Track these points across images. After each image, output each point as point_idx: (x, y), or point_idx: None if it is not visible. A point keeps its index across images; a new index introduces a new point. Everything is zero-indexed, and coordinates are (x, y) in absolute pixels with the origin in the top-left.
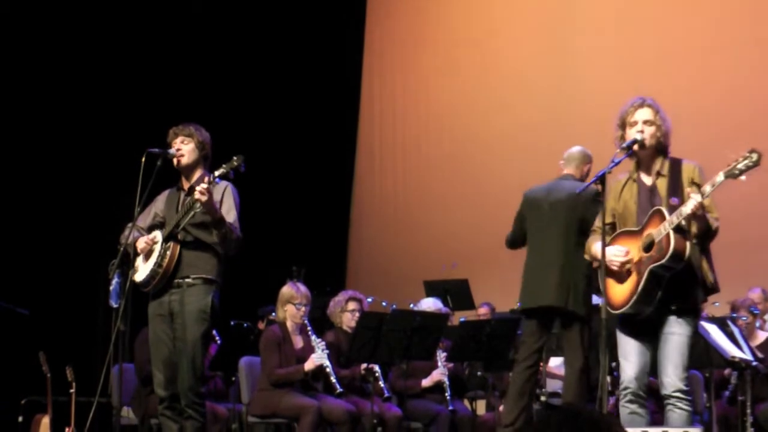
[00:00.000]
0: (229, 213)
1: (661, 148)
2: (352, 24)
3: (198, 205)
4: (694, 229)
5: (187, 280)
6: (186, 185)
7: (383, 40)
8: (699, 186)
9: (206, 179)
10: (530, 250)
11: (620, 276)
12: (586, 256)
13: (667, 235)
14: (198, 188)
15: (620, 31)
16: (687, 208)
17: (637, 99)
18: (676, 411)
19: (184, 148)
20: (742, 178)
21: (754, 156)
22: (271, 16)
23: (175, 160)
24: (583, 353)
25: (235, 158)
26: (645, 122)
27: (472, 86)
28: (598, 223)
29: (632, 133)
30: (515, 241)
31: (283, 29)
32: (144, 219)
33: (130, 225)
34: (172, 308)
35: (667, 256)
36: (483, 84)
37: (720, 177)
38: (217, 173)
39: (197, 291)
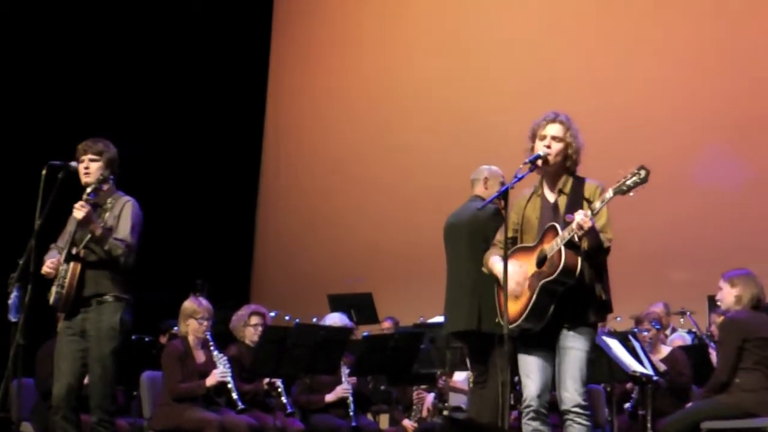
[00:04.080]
0: (124, 227)
1: (568, 166)
2: (257, 34)
3: (101, 220)
4: (585, 246)
5: (97, 298)
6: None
7: (288, 53)
8: (588, 203)
9: (84, 196)
10: (447, 275)
11: (513, 291)
12: (484, 269)
13: (559, 250)
14: (76, 206)
15: (533, 47)
16: (574, 224)
17: (551, 113)
18: (576, 426)
19: (93, 166)
20: (631, 194)
21: (642, 173)
22: (175, 27)
23: (81, 178)
24: (500, 371)
25: (100, 174)
26: (554, 138)
27: (378, 100)
28: (499, 236)
29: (540, 147)
30: None
31: (189, 39)
32: (62, 238)
33: (51, 246)
34: (83, 326)
35: (557, 272)
36: (388, 98)
37: (609, 193)
38: (89, 190)
39: (108, 309)
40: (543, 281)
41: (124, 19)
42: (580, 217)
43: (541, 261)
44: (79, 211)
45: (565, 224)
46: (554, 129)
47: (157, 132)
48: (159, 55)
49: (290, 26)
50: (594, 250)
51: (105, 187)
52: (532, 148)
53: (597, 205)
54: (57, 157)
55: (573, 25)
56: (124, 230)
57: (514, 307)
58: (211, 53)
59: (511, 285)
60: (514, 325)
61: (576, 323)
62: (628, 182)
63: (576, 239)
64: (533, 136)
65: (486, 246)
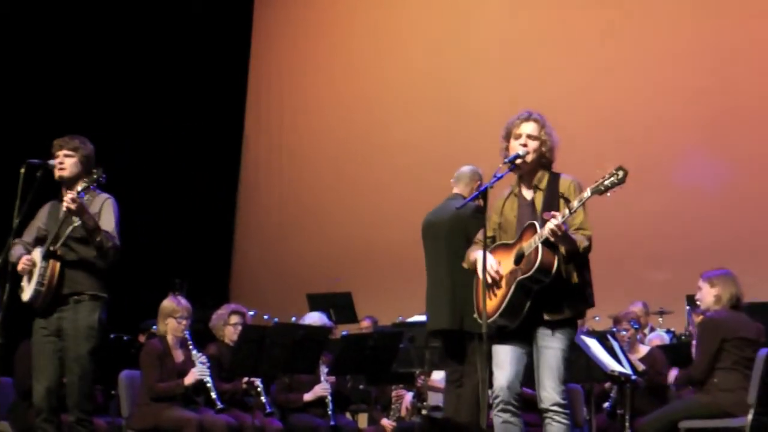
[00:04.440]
0: (108, 223)
1: (543, 163)
2: (237, 32)
3: (74, 217)
4: (561, 250)
5: (74, 297)
6: None
7: (269, 52)
8: (567, 201)
9: (73, 190)
10: (427, 273)
11: (493, 288)
12: (465, 265)
13: (536, 248)
14: (66, 198)
15: (506, 48)
16: (545, 230)
17: (524, 112)
18: (555, 425)
19: (67, 162)
20: (608, 194)
21: (620, 173)
22: (155, 23)
23: (56, 173)
24: (477, 370)
25: (94, 171)
26: (529, 137)
27: (358, 101)
28: (479, 235)
29: (516, 146)
30: None
31: (168, 38)
32: (29, 234)
33: (16, 241)
34: (60, 325)
35: (533, 269)
36: (369, 98)
37: (587, 193)
38: (79, 188)
39: (85, 308)
40: (519, 278)
41: (103, 12)
42: (554, 224)
43: (519, 258)
44: (72, 203)
45: (544, 222)
46: (529, 127)
47: (136, 130)
48: (138, 53)
49: (271, 21)
50: (570, 254)
51: (93, 186)
52: (507, 148)
53: (574, 204)
54: (35, 155)
55: (560, 27)
56: (109, 225)
57: (491, 304)
58: (191, 50)
59: (489, 280)
60: (490, 320)
61: (554, 320)
62: (606, 182)
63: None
64: (508, 136)
65: (467, 244)
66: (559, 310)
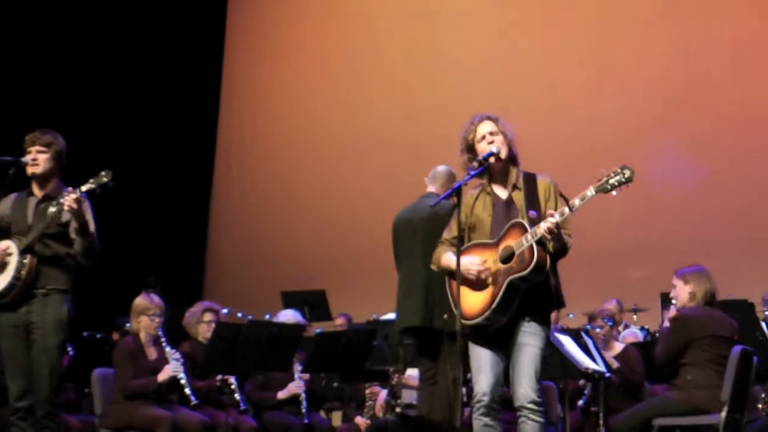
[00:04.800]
0: (91, 225)
1: (511, 157)
2: (211, 30)
3: (61, 216)
4: (549, 247)
5: (41, 290)
6: (39, 193)
7: (243, 50)
8: (557, 200)
9: (76, 191)
10: (400, 270)
11: (475, 287)
12: (433, 267)
13: (531, 247)
14: (70, 197)
15: (479, 48)
16: (543, 226)
17: (475, 116)
18: (529, 422)
19: (40, 158)
20: (614, 193)
21: (627, 172)
22: (129, 23)
23: (28, 169)
24: (452, 368)
25: (103, 173)
26: (491, 134)
27: (331, 100)
28: (446, 234)
29: (483, 147)
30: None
31: (142, 35)
32: None
33: None
34: (28, 319)
35: (530, 268)
36: (341, 97)
37: (590, 192)
38: (84, 188)
39: (54, 301)
40: (512, 277)
41: (74, 6)
42: (551, 223)
43: (509, 257)
44: (74, 203)
45: (530, 221)
46: (487, 126)
47: (109, 127)
48: (110, 49)
49: (245, 20)
50: (558, 252)
51: (99, 189)
52: (470, 158)
53: (576, 202)
54: (6, 152)
55: (534, 27)
56: (91, 227)
57: (474, 302)
58: (165, 49)
59: (471, 275)
60: (478, 319)
61: (534, 319)
62: (612, 181)
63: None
64: (469, 147)
65: None
66: (538, 309)
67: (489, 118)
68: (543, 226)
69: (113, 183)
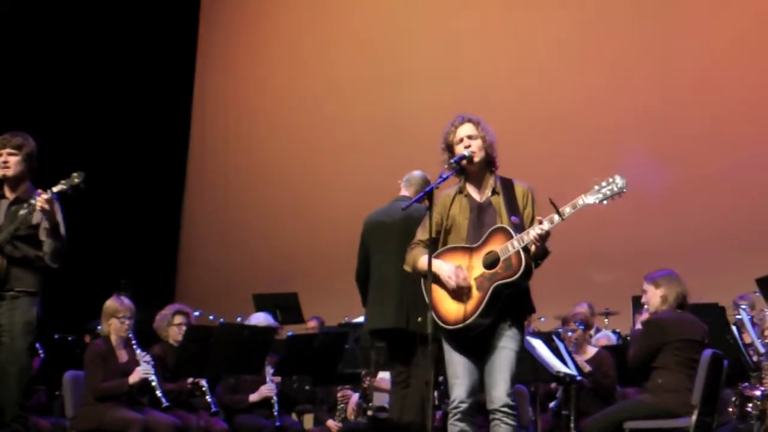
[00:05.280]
0: (60, 226)
1: (488, 161)
2: (184, 33)
3: (32, 218)
4: (533, 250)
5: (10, 293)
6: (11, 196)
7: (215, 52)
8: (555, 207)
9: (47, 191)
10: (372, 273)
11: (455, 292)
12: (407, 268)
13: (518, 253)
14: (41, 198)
15: (449, 49)
16: (533, 233)
17: (457, 117)
18: (503, 426)
19: (11, 160)
20: (605, 203)
21: (620, 182)
22: (101, 26)
23: (0, 172)
24: (425, 371)
25: (75, 174)
26: (469, 137)
27: (303, 103)
28: (420, 236)
29: (460, 150)
30: (364, 270)
31: (114, 37)
32: None
33: None
34: None
35: (518, 274)
36: (311, 101)
37: (582, 201)
38: (56, 189)
39: (22, 304)
40: (498, 282)
41: (45, 7)
42: (542, 230)
43: (493, 262)
44: (45, 204)
45: (514, 227)
46: (467, 129)
47: (80, 129)
48: (82, 51)
49: (217, 23)
50: (539, 258)
51: (70, 190)
52: (450, 158)
53: (567, 210)
54: None
55: (500, 33)
56: (61, 228)
57: (457, 307)
58: (137, 51)
59: (451, 284)
60: (461, 325)
61: (512, 322)
62: (604, 191)
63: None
64: (448, 146)
65: None
66: (516, 313)
67: (470, 120)
68: (533, 233)
69: (85, 185)
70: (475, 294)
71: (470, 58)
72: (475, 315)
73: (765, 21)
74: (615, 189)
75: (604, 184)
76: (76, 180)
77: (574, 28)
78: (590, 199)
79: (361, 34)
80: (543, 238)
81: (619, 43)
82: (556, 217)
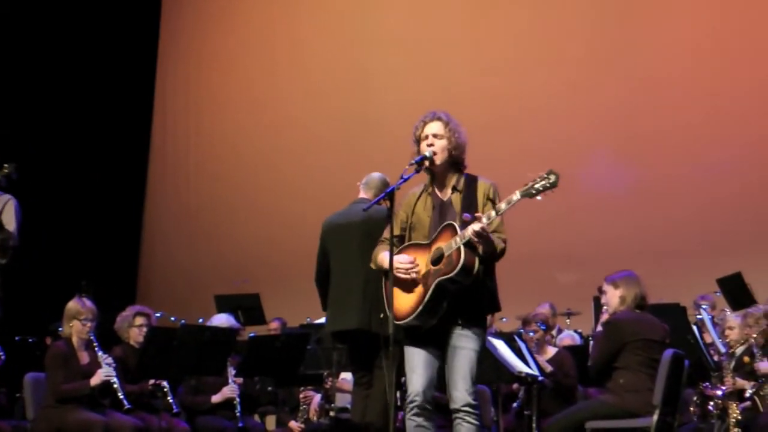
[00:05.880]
0: (10, 223)
1: (453, 162)
2: (145, 29)
3: None
4: (480, 250)
5: None
6: None
7: (176, 51)
8: (494, 203)
9: None
10: (333, 275)
11: (406, 287)
12: (372, 265)
13: (458, 249)
14: None
15: (418, 50)
16: (470, 228)
17: (429, 114)
18: (465, 425)
19: None
20: (539, 197)
21: (552, 177)
22: (61, 21)
23: None
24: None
25: (5, 166)
26: (435, 136)
27: (265, 102)
28: (386, 234)
29: (423, 148)
30: (324, 272)
31: (75, 34)
32: None
33: None
34: None
35: (456, 270)
36: (275, 99)
37: (516, 196)
38: None
39: None
40: (439, 278)
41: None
42: (479, 226)
43: (438, 259)
44: None
45: (463, 223)
46: (434, 127)
47: (39, 128)
48: (42, 48)
49: (180, 18)
50: (489, 255)
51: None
52: (418, 151)
53: (503, 206)
54: None
55: (467, 32)
56: (10, 225)
57: (405, 302)
58: (98, 48)
59: (400, 274)
60: (407, 320)
61: (469, 322)
62: (537, 186)
63: (474, 239)
64: (417, 140)
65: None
66: (473, 312)
67: (440, 118)
68: (470, 229)
69: (17, 175)
70: (420, 289)
71: (435, 56)
72: (418, 310)
73: (729, 21)
74: (548, 184)
75: (537, 178)
76: (7, 170)
77: (538, 27)
78: (524, 194)
79: (331, 30)
80: (480, 234)
81: (583, 43)
82: (493, 213)
